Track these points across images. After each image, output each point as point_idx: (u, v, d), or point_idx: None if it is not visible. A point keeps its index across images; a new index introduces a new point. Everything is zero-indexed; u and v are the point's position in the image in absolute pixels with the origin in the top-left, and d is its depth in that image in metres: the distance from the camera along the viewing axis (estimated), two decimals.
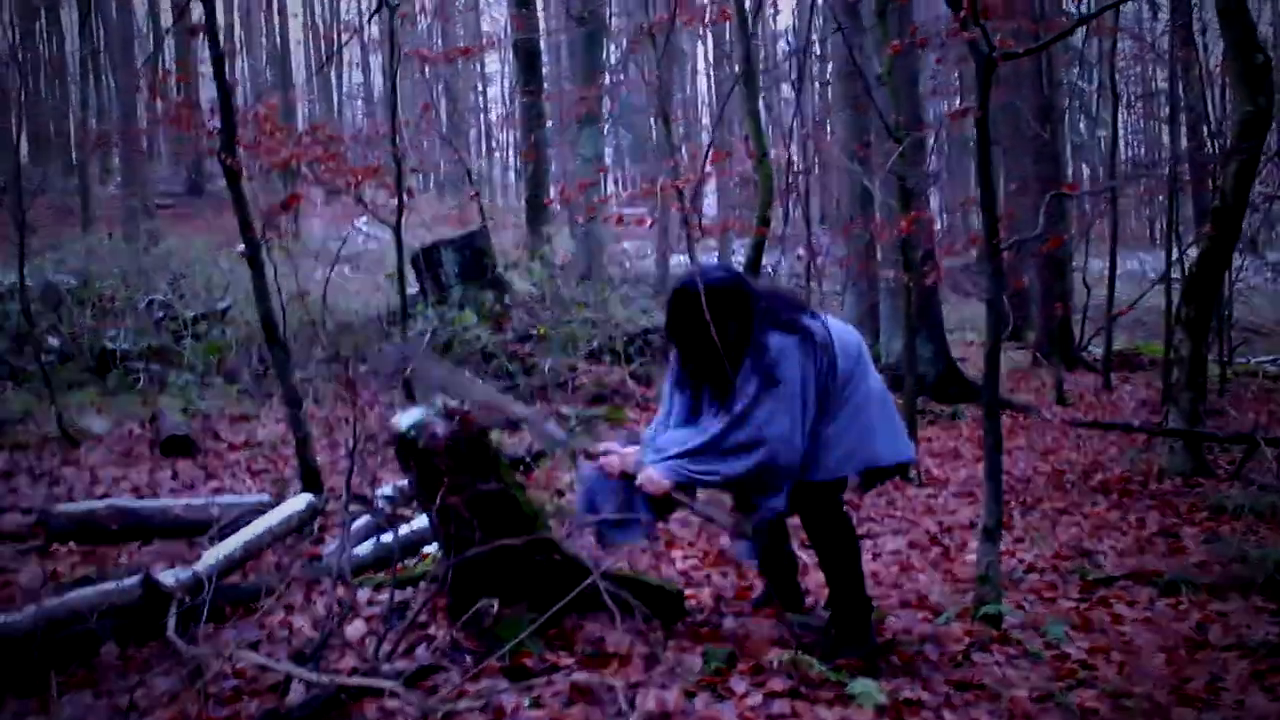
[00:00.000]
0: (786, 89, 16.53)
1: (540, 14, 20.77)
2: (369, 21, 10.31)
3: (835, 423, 4.06)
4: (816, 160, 10.63)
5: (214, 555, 4.58)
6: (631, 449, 4.19)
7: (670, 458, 4.01)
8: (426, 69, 18.84)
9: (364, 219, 25.91)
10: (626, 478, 4.11)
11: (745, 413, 3.94)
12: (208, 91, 22.07)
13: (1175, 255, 13.30)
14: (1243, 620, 4.93)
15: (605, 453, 4.22)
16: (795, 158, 10.45)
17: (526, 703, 3.50)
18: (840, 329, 4.24)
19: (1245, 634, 4.71)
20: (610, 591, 3.33)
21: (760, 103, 9.77)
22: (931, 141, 13.27)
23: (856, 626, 4.19)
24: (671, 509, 4.23)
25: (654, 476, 4.01)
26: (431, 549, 5.11)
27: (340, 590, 4.00)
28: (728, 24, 12.51)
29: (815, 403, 4.02)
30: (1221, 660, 4.41)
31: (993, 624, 4.59)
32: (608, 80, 15.36)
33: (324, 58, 30.82)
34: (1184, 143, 15.85)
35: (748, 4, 8.88)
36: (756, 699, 3.61)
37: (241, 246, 6.74)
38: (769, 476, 3.98)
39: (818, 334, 4.05)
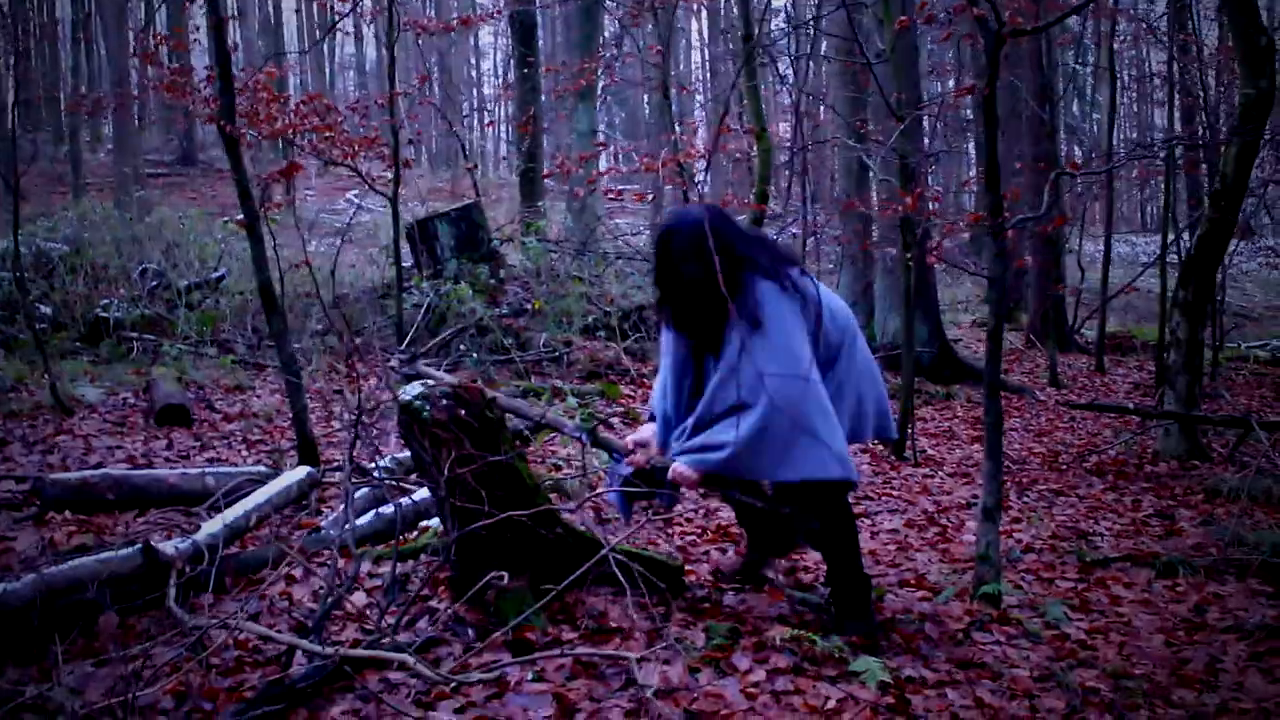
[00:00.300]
0: (781, 65, 16.41)
1: None
2: None
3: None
4: (812, 136, 10.58)
5: (214, 525, 4.56)
6: (651, 435, 4.18)
7: (690, 447, 3.97)
8: (420, 40, 18.75)
9: (354, 191, 25.86)
10: (657, 471, 4.09)
11: (732, 366, 3.86)
12: (199, 60, 22.01)
13: (1171, 238, 13.32)
14: (1240, 603, 4.96)
15: (630, 450, 4.19)
16: (798, 134, 10.37)
17: (530, 676, 3.50)
18: (830, 297, 4.21)
19: (1242, 616, 4.73)
20: (622, 565, 3.31)
21: (759, 78, 9.72)
22: (933, 120, 13.22)
23: (858, 603, 4.18)
24: (714, 488, 4.19)
25: (683, 472, 3.96)
26: (430, 523, 5.09)
27: (342, 561, 3.99)
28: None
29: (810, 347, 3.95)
30: (1220, 642, 4.43)
31: (992, 603, 4.60)
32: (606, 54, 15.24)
33: (320, 27, 30.62)
34: (1178, 126, 15.84)
35: None
36: (760, 675, 3.61)
37: (238, 216, 6.69)
38: (784, 425, 3.80)
39: (806, 291, 4.00)
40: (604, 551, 3.25)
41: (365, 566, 4.41)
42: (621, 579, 3.19)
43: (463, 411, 3.83)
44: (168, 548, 4.23)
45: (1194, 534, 6.17)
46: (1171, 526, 6.37)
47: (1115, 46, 15.53)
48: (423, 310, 10.81)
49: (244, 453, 7.36)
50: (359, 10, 11.47)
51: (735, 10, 19.63)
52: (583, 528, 4.39)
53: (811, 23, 11.91)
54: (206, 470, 6.13)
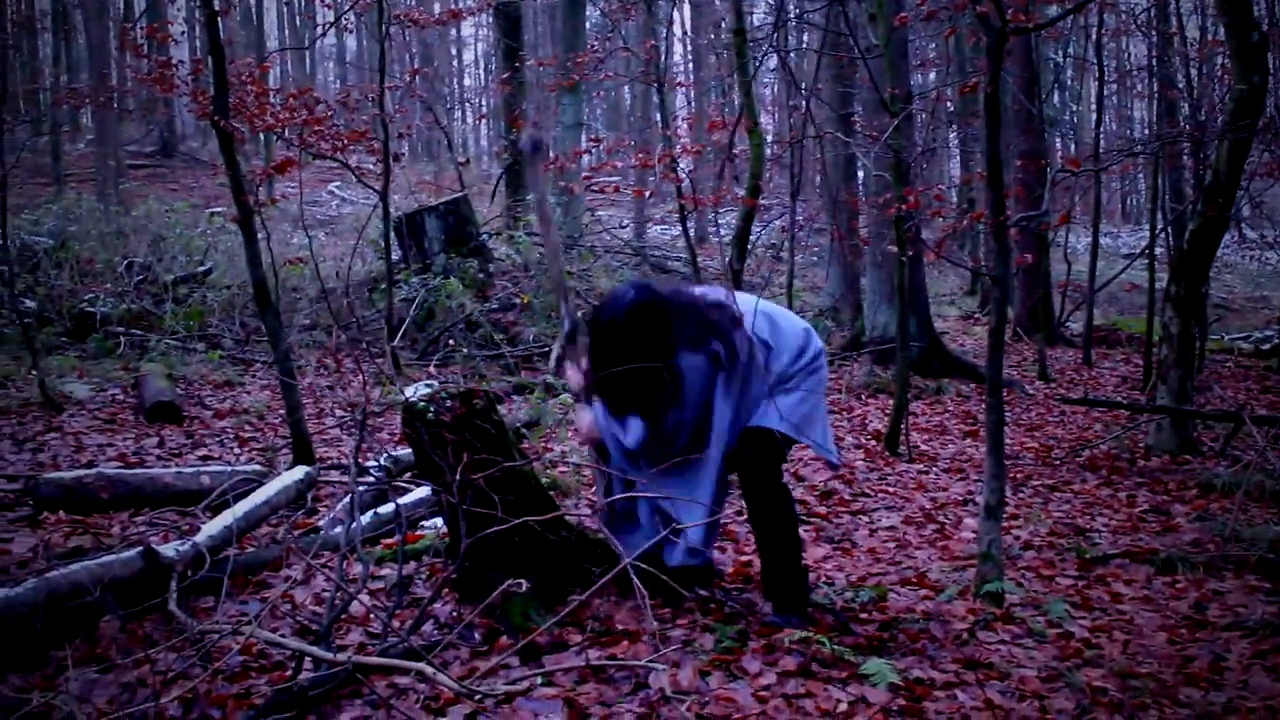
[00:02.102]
0: (771, 60, 16.39)
1: None
2: None
3: (787, 393, 4.09)
4: (805, 130, 10.55)
5: (214, 527, 4.52)
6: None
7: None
8: (406, 33, 18.67)
9: (336, 183, 25.73)
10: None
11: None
12: (179, 51, 21.86)
13: (1160, 228, 13.35)
14: (1239, 599, 4.96)
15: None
16: (789, 128, 10.33)
17: (540, 681, 3.48)
18: (787, 331, 4.21)
19: (1243, 613, 4.73)
20: (638, 571, 3.28)
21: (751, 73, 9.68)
22: (926, 115, 13.21)
23: (795, 593, 4.18)
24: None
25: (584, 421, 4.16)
26: (430, 523, 5.06)
27: (348, 564, 3.95)
28: None
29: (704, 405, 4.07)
30: (1223, 640, 4.43)
31: (995, 602, 4.60)
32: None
33: (300, 16, 30.45)
34: (1161, 119, 15.88)
35: None
36: (770, 678, 3.60)
37: (220, 209, 6.64)
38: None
39: (722, 355, 4.04)
40: (625, 562, 3.21)
41: (366, 569, 4.38)
42: (637, 583, 3.16)
43: (470, 414, 3.80)
44: (168, 550, 4.19)
45: (1190, 529, 6.19)
46: (1167, 522, 6.39)
47: (1100, 39, 15.49)
48: (412, 305, 10.76)
49: (236, 450, 7.31)
50: (353, 5, 11.39)
51: (720, 3, 19.62)
52: (585, 528, 4.38)
53: (802, 16, 11.87)
54: (202, 469, 6.09)
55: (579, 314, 4.60)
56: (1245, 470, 7.10)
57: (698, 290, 4.25)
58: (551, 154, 12.38)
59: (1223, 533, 5.89)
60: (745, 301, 4.21)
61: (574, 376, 4.23)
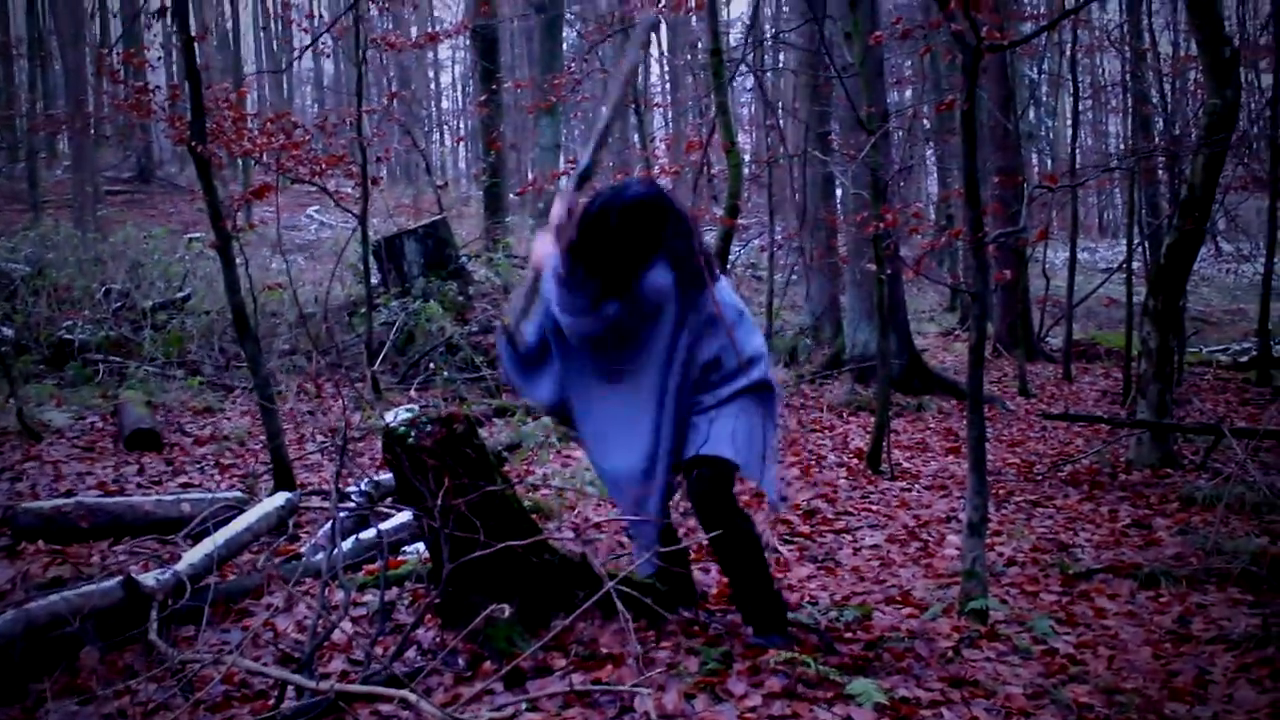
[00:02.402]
0: (748, 80, 16.46)
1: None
2: (346, 13, 10.14)
3: (725, 413, 4.00)
4: (782, 149, 10.60)
5: (195, 555, 4.48)
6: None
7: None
8: (383, 57, 18.67)
9: (315, 207, 25.70)
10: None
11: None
12: (155, 77, 21.83)
13: (1136, 243, 13.43)
14: (1223, 612, 4.98)
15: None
16: (766, 147, 10.38)
17: (524, 706, 3.46)
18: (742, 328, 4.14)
19: (1226, 626, 4.75)
20: (622, 594, 3.27)
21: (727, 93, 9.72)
22: (903, 132, 13.27)
23: (773, 612, 4.13)
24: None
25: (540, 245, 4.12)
26: (412, 548, 5.04)
27: (329, 591, 3.93)
28: (681, 14, 12.45)
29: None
30: (1207, 653, 4.44)
31: (979, 619, 4.60)
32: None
33: (281, 43, 30.45)
34: (1135, 133, 16.01)
35: None
36: (756, 700, 3.58)
37: (198, 234, 6.62)
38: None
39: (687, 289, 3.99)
40: (608, 586, 3.20)
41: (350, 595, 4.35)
42: (620, 607, 3.14)
43: (450, 438, 3.79)
44: (149, 579, 4.16)
45: (1172, 543, 6.20)
46: (1150, 536, 6.40)
47: (1074, 56, 15.62)
48: (392, 329, 10.74)
49: (217, 477, 7.28)
50: (316, 25, 11.39)
51: (697, 24, 19.70)
52: (568, 551, 4.36)
53: (778, 36, 11.92)
54: (182, 496, 6.06)
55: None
56: (1226, 483, 7.12)
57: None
58: (530, 175, 12.38)
59: (1205, 546, 5.90)
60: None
61: (559, 209, 4.16)
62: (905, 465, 8.47)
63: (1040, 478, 8.15)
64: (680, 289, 3.96)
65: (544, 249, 4.10)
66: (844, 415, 10.65)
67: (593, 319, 3.94)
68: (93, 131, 21.45)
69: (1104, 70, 32.05)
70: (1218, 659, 4.36)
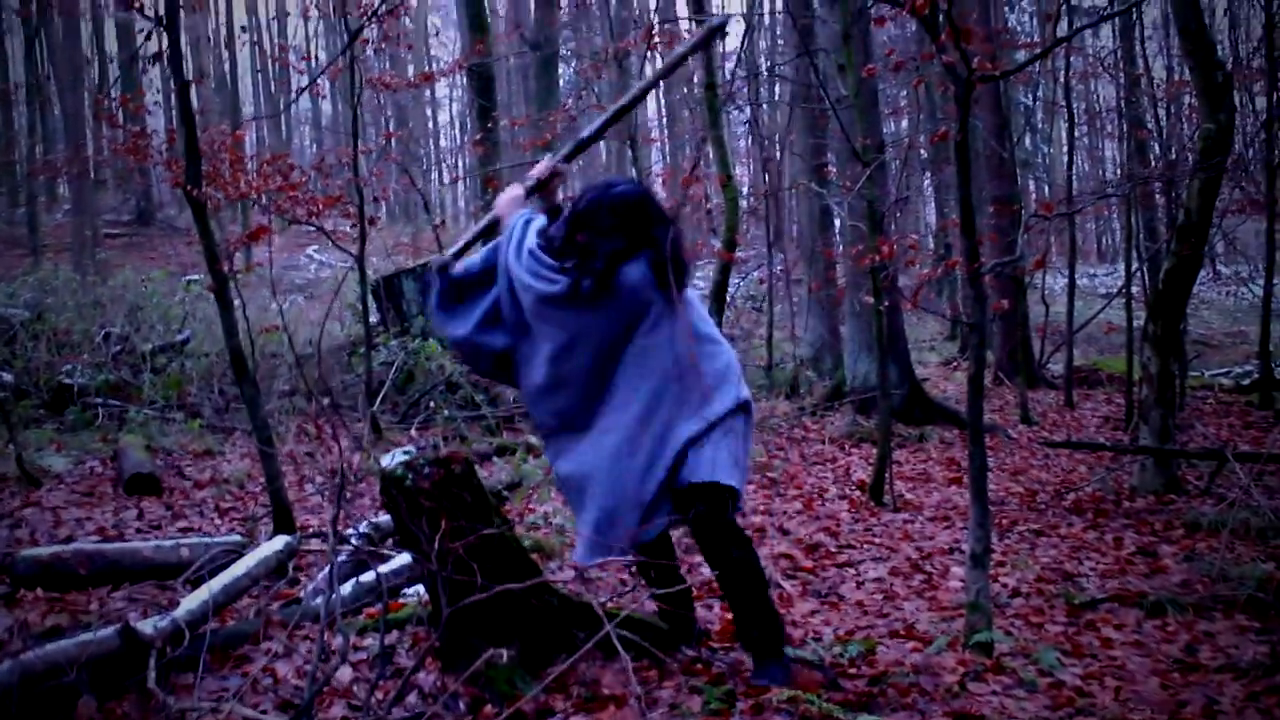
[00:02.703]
0: (738, 112, 16.52)
1: (495, 39, 20.70)
2: (342, 55, 10.18)
3: (712, 437, 3.96)
4: (779, 182, 10.62)
5: (193, 601, 4.45)
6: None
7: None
8: (380, 96, 18.76)
9: (314, 246, 25.77)
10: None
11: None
12: (154, 120, 21.92)
13: (1135, 268, 13.42)
14: (1230, 640, 4.93)
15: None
16: (763, 180, 10.39)
17: None
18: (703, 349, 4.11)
19: (1234, 654, 4.71)
20: (621, 636, 3.24)
21: (725, 128, 9.76)
22: (899, 163, 13.30)
23: (773, 638, 4.09)
24: None
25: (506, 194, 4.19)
26: (412, 590, 5.01)
27: (328, 636, 3.90)
28: (674, 49, 12.48)
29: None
30: (1215, 682, 4.39)
31: (985, 652, 4.55)
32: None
33: (278, 85, 30.62)
34: (1132, 159, 16.03)
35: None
36: None
37: (196, 276, 6.61)
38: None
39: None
40: (606, 629, 3.17)
41: (350, 639, 4.32)
42: (619, 648, 3.11)
43: (448, 480, 3.77)
44: (147, 627, 4.12)
45: (1178, 570, 6.16)
46: (1155, 564, 6.36)
47: (1069, 83, 15.68)
48: (391, 368, 10.72)
49: (217, 521, 7.24)
50: (314, 66, 11.44)
51: (693, 60, 19.76)
52: (569, 590, 4.33)
53: (773, 69, 11.96)
54: (181, 541, 6.03)
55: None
56: (1231, 508, 7.08)
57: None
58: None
59: (1211, 573, 5.87)
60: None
61: (542, 167, 4.26)
62: (908, 496, 8.43)
63: (1044, 506, 8.12)
64: (659, 290, 3.94)
65: (512, 197, 4.18)
66: (846, 447, 10.62)
67: (559, 283, 3.94)
68: (92, 176, 21.52)
69: (1099, 96, 32.16)
70: (1226, 688, 4.32)
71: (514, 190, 4.21)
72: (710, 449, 3.94)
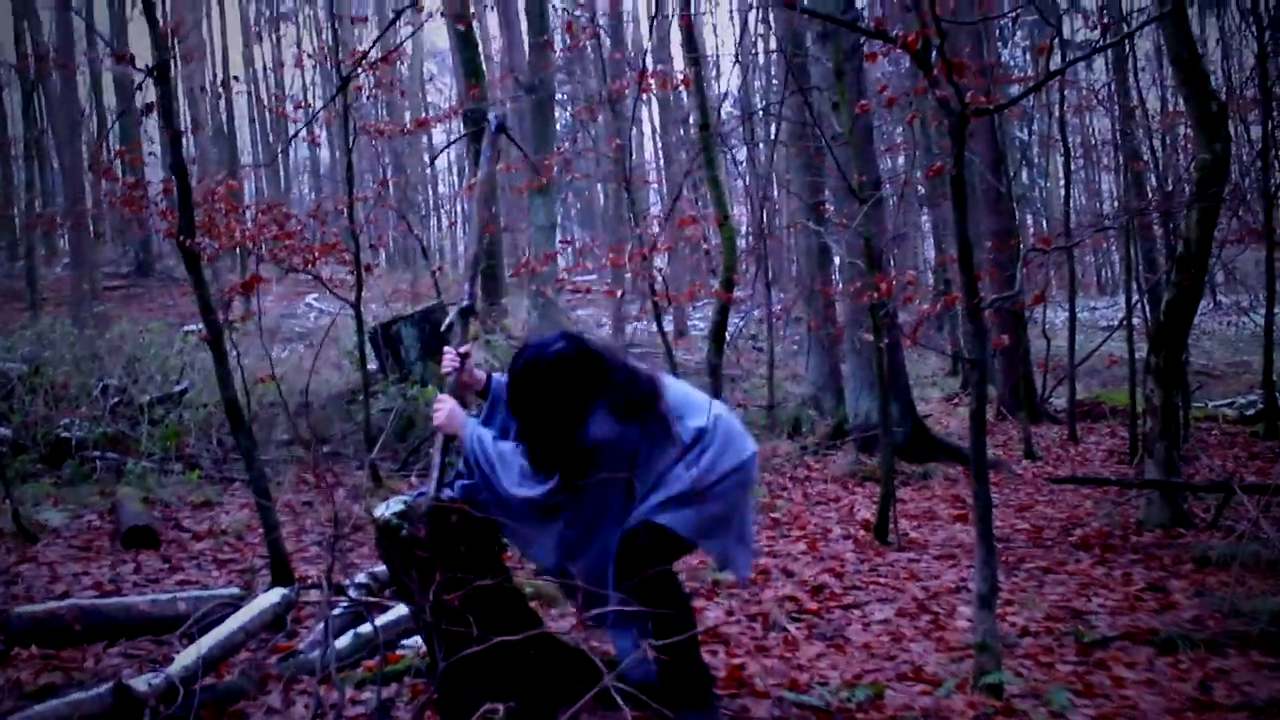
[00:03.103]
0: (739, 152, 16.55)
1: (489, 82, 20.79)
2: (331, 102, 10.20)
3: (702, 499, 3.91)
4: (774, 221, 10.62)
5: (187, 657, 4.38)
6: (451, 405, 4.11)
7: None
8: (375, 143, 18.81)
9: (314, 295, 25.78)
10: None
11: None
12: (153, 172, 22.02)
13: (1135, 300, 13.38)
14: (1244, 677, 4.85)
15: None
16: (759, 219, 10.38)
17: None
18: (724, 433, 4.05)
19: (1250, 691, 4.62)
20: (622, 691, 3.17)
21: (720, 168, 9.74)
22: (895, 199, 13.29)
23: (698, 689, 4.02)
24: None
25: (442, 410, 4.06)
26: (411, 641, 4.92)
27: (324, 690, 3.82)
28: (673, 90, 12.53)
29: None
30: None
31: (994, 694, 4.47)
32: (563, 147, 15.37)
33: (273, 131, 30.75)
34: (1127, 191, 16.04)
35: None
36: None
37: (194, 326, 6.56)
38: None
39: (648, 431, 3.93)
40: (604, 682, 3.10)
41: (346, 693, 4.24)
42: (621, 703, 3.04)
43: (444, 530, 3.70)
44: (140, 684, 4.05)
45: (1189, 606, 6.07)
46: (1165, 599, 6.27)
47: (1063, 116, 15.71)
48: (390, 415, 10.68)
49: (215, 573, 7.16)
50: (315, 117, 11.46)
51: (688, 100, 19.84)
52: (571, 640, 4.25)
53: (766, 109, 11.98)
54: (178, 595, 5.95)
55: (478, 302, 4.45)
56: (1240, 541, 7.01)
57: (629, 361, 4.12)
58: (523, 257, 12.37)
59: (1222, 608, 5.79)
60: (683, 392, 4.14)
61: (449, 359, 4.18)
62: (913, 535, 8.34)
63: (1050, 543, 8.03)
64: (639, 426, 3.90)
65: (449, 411, 4.06)
66: (849, 486, 10.54)
67: (545, 483, 3.88)
68: (91, 229, 21.57)
69: (1094, 129, 32.31)
70: None
71: (445, 403, 4.09)
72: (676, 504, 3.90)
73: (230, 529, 8.28)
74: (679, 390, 4.10)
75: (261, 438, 10.01)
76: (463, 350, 4.17)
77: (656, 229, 12.07)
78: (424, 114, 23.89)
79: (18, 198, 29.26)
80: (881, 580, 6.91)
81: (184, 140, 6.29)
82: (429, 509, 3.76)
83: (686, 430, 3.92)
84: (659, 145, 34.70)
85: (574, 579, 3.91)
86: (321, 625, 5.04)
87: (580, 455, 3.84)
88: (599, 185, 32.05)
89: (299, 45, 34.26)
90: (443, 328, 4.34)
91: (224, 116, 34.14)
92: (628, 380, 3.93)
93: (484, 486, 3.92)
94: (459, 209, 35.71)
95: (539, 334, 4.17)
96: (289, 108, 13.36)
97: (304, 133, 12.21)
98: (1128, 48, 15.05)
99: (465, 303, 4.24)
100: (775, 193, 16.46)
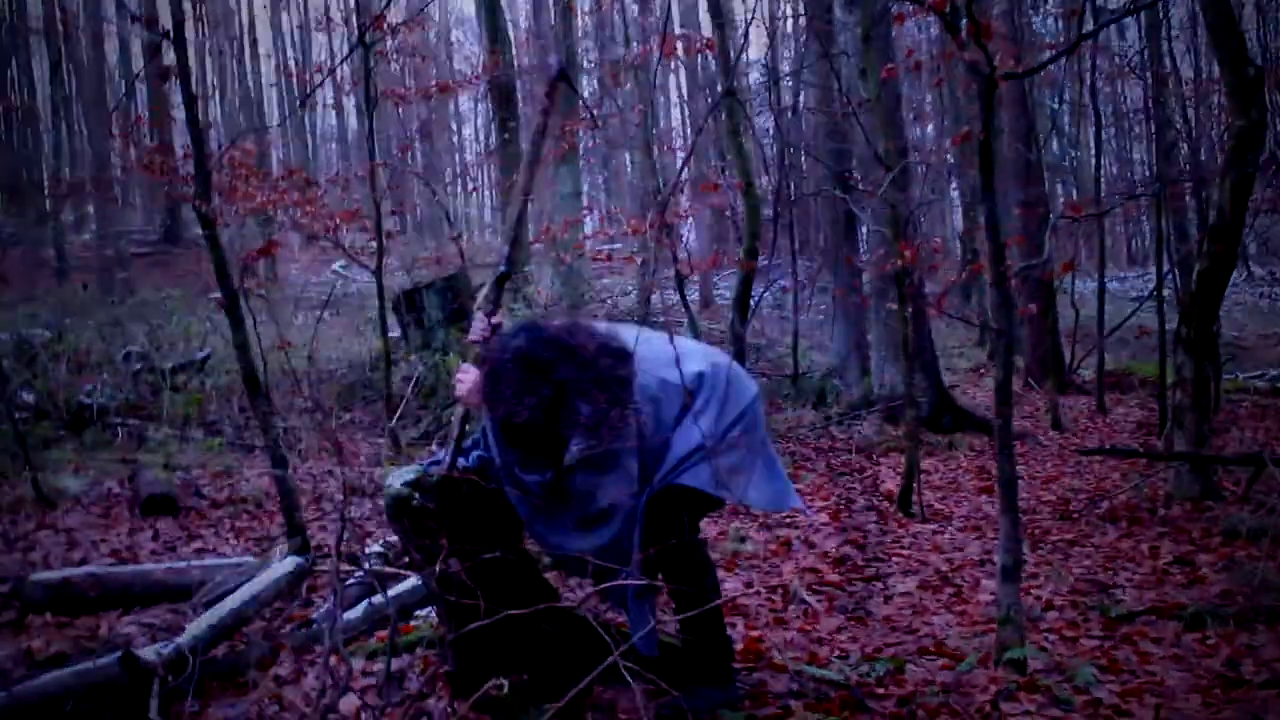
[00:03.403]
0: (763, 118, 16.38)
1: (514, 50, 20.66)
2: (343, 64, 10.15)
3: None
4: (800, 188, 10.49)
5: (198, 626, 4.34)
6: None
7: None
8: (401, 110, 18.73)
9: (341, 262, 25.76)
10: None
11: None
12: (182, 137, 22.00)
13: (1166, 270, 13.20)
14: (1274, 653, 4.74)
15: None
16: (783, 187, 10.25)
17: None
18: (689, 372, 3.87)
19: (1279, 668, 4.51)
20: (631, 669, 3.10)
21: (745, 133, 9.62)
22: (922, 168, 13.12)
23: (718, 664, 3.93)
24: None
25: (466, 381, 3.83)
26: (424, 611, 4.87)
27: (334, 662, 3.76)
28: (700, 55, 12.39)
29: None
30: (1259, 699, 4.20)
31: (1018, 669, 4.38)
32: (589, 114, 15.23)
33: (299, 101, 30.72)
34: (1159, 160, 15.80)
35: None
36: None
37: (218, 293, 6.50)
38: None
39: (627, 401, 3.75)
40: (611, 658, 3.04)
41: (359, 664, 4.20)
42: (630, 681, 2.97)
43: (455, 500, 3.63)
44: (149, 653, 4.01)
45: (1217, 580, 5.96)
46: (1193, 573, 6.16)
47: (1095, 83, 15.49)
48: (412, 383, 10.62)
49: (232, 541, 7.14)
50: (339, 82, 11.39)
51: (714, 65, 19.67)
52: (584, 613, 4.19)
53: (793, 74, 11.83)
54: (193, 563, 5.93)
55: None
56: (1270, 515, 6.89)
57: (600, 329, 3.92)
58: (545, 224, 12.28)
59: (1252, 582, 5.66)
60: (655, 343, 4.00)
61: (479, 327, 3.97)
62: (937, 506, 8.25)
63: (1076, 515, 7.92)
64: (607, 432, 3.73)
65: (470, 386, 3.84)
66: (874, 457, 10.44)
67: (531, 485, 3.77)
68: (118, 195, 21.59)
69: (1125, 97, 31.89)
70: (1270, 704, 4.13)
71: (469, 375, 3.86)
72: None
73: (250, 497, 8.26)
74: (660, 342, 3.93)
75: (283, 405, 9.98)
76: (495, 321, 3.99)
77: (681, 195, 11.96)
78: (453, 79, 23.76)
79: (46, 164, 29.33)
80: (904, 552, 6.82)
81: (210, 105, 6.23)
82: (439, 479, 3.69)
83: (686, 375, 3.80)
84: (686, 113, 34.48)
85: (591, 557, 3.80)
86: (333, 596, 5.00)
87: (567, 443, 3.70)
88: (626, 156, 31.86)
89: (326, 9, 34.10)
90: (480, 295, 4.16)
91: (250, 84, 34.11)
92: (596, 353, 3.78)
93: (500, 463, 3.82)
94: (485, 176, 35.60)
95: (509, 330, 3.95)
96: (311, 74, 13.25)
97: (329, 100, 12.14)
98: (1161, 13, 14.78)
99: (502, 268, 4.09)
100: (802, 160, 16.26)
